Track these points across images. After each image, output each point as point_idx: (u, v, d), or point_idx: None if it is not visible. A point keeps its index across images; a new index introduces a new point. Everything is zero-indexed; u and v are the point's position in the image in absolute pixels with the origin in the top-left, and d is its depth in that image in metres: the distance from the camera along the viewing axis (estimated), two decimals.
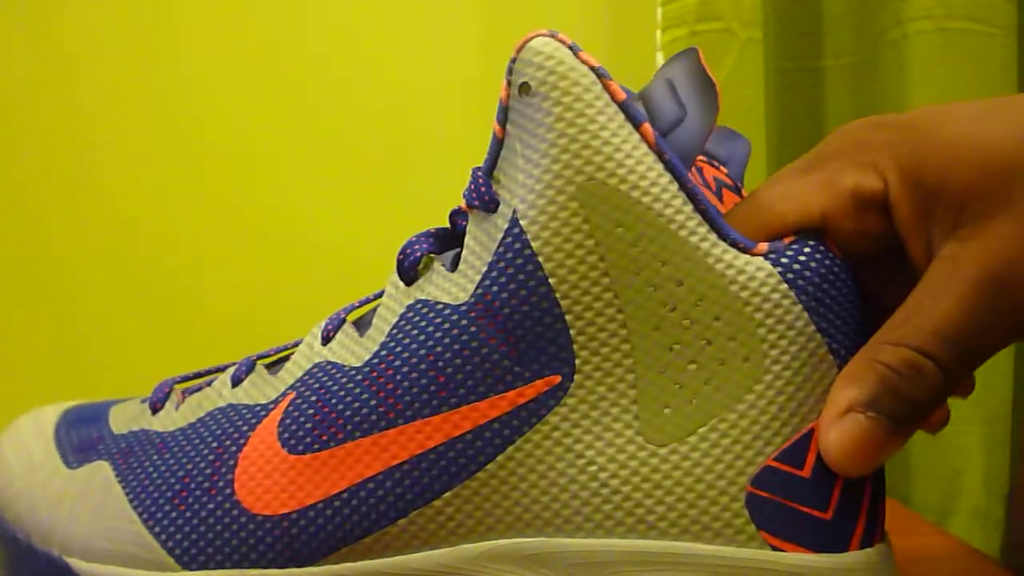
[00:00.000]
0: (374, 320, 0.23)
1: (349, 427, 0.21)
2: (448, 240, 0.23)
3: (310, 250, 0.68)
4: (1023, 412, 0.52)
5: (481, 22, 0.68)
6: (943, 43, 0.50)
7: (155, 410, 0.25)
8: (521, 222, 0.20)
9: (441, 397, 0.21)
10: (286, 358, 0.24)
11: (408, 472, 0.21)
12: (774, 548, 0.20)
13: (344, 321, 0.23)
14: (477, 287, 0.21)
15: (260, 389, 0.23)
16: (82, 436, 0.24)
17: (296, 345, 0.25)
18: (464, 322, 0.21)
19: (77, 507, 0.23)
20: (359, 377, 0.22)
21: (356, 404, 0.21)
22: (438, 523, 0.21)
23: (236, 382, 0.24)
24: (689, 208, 0.20)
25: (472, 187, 0.22)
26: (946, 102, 0.53)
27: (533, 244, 0.20)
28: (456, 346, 0.21)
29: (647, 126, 0.20)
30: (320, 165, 0.69)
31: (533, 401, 0.21)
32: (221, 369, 0.26)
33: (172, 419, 0.24)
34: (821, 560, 0.20)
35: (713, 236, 0.20)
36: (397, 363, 0.21)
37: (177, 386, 0.25)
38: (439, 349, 0.21)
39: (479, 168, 0.22)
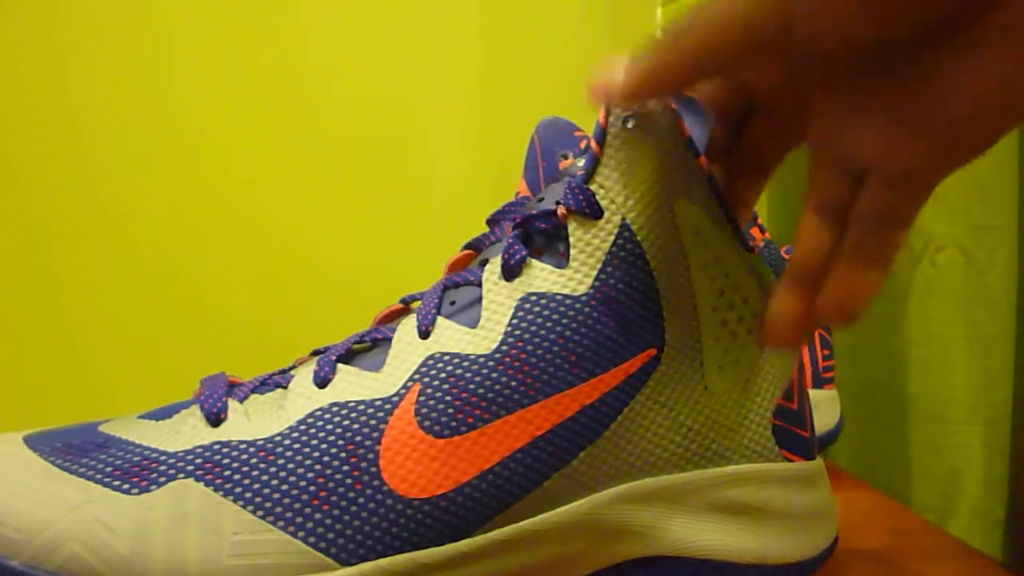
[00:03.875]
0: (482, 313, 0.26)
1: (494, 407, 0.24)
2: (526, 242, 0.27)
3: (309, 250, 0.68)
4: (1023, 412, 0.52)
5: (482, 22, 0.68)
6: None
7: (217, 422, 0.24)
8: (632, 227, 0.26)
9: (574, 373, 0.25)
10: (358, 355, 0.26)
11: (550, 440, 0.25)
12: (788, 460, 0.29)
13: (437, 317, 0.26)
14: (595, 280, 0.26)
15: (364, 386, 0.25)
16: (114, 463, 0.23)
17: (362, 340, 0.27)
18: (587, 309, 0.25)
19: (176, 531, 0.22)
20: (491, 363, 0.24)
21: (496, 387, 0.24)
22: (573, 479, 0.25)
23: (323, 383, 0.25)
24: (725, 219, 0.27)
25: (578, 197, 0.26)
26: None
27: (643, 245, 0.26)
28: (583, 329, 0.25)
29: (703, 158, 0.26)
30: (319, 166, 0.69)
31: (639, 370, 0.26)
32: (266, 379, 0.26)
33: (256, 427, 0.24)
34: (809, 465, 0.30)
35: (736, 239, 0.27)
36: (530, 348, 0.25)
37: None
38: (568, 333, 0.25)
39: (575, 179, 0.26)
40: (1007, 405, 0.52)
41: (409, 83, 0.68)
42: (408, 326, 0.26)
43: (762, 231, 0.51)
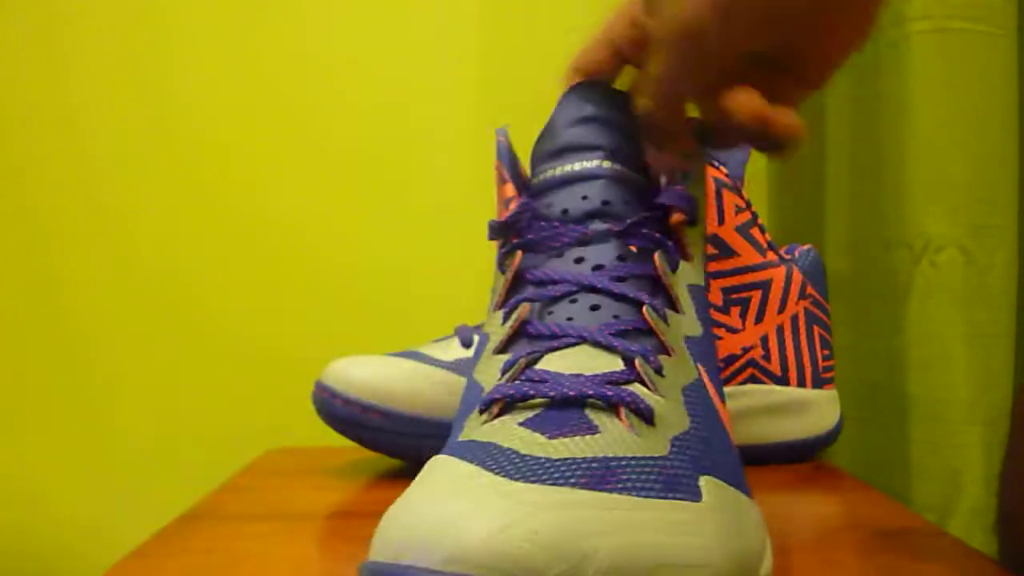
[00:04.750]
0: (679, 302, 0.29)
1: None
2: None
3: (309, 250, 0.68)
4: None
5: (481, 22, 0.68)
6: (943, 43, 0.50)
7: None
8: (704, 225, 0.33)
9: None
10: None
11: None
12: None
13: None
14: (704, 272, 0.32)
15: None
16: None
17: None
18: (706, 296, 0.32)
19: None
20: (707, 342, 0.30)
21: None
22: None
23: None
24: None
25: (686, 203, 0.30)
26: (946, 103, 0.53)
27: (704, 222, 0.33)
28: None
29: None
30: (320, 166, 0.69)
31: None
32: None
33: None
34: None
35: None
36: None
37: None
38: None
39: (681, 190, 0.30)
40: (1007, 405, 0.52)
41: (409, 83, 0.68)
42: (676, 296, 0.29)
43: (762, 231, 0.51)
